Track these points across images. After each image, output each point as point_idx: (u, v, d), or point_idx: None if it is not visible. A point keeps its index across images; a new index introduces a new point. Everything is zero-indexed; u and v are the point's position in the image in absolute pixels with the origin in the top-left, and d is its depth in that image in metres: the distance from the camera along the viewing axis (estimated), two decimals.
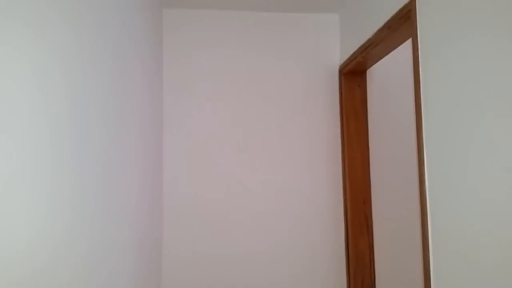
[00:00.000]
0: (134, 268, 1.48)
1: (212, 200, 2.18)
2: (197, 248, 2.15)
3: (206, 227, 2.16)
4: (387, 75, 2.27)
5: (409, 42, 1.98)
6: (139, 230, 1.55)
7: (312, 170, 2.26)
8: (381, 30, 1.66)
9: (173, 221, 2.15)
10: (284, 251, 2.20)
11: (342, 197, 2.25)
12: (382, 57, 1.89)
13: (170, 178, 2.17)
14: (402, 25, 1.51)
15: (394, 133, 2.26)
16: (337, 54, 2.30)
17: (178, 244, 2.14)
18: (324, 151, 2.27)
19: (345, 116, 2.23)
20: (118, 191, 1.25)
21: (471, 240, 1.09)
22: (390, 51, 1.79)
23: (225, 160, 2.21)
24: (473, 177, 1.08)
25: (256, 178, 2.22)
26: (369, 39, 1.79)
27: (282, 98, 2.27)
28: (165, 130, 2.19)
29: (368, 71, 2.24)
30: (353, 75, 2.23)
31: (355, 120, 2.24)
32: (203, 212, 2.17)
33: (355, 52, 1.99)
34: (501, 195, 0.98)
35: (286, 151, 2.25)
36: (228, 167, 2.20)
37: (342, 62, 2.23)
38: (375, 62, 2.00)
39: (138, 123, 1.56)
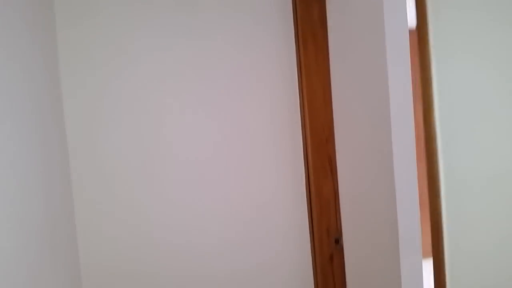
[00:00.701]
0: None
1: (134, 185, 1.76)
2: (126, 261, 1.76)
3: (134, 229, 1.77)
4: None
5: None
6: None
7: (265, 107, 1.88)
8: None
9: (92, 229, 1.72)
10: (238, 203, 1.87)
11: (301, 137, 1.92)
12: None
13: (81, 176, 1.71)
14: None
15: (361, 58, 1.90)
16: None
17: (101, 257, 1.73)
18: (278, 83, 1.89)
19: (302, 40, 1.84)
20: None
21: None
22: None
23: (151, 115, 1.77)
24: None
25: (198, 127, 1.82)
26: None
27: (223, 20, 1.82)
28: (67, 116, 1.69)
29: None
30: None
31: (313, 44, 1.85)
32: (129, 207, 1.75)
33: None
34: None
35: (232, 87, 1.84)
36: (158, 120, 1.77)
37: None
38: None
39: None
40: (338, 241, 1.93)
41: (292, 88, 1.90)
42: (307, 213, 1.96)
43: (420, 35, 1.05)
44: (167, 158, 1.77)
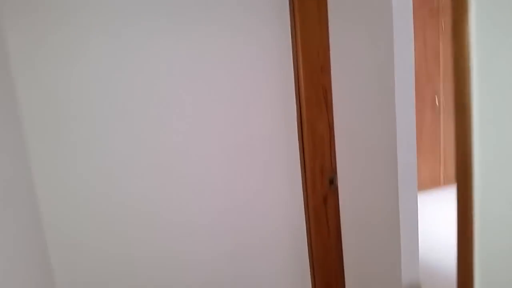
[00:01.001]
0: None
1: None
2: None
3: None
4: None
5: None
6: None
7: (249, 24, 1.66)
8: None
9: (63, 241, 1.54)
10: (225, 140, 1.69)
11: (292, 65, 1.71)
12: None
13: (47, 177, 1.49)
14: None
15: None
16: None
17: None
18: (265, 6, 1.66)
19: None
20: None
21: None
22: None
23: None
24: None
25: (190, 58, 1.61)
26: None
27: None
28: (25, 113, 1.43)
29: None
30: None
31: None
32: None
33: None
34: None
35: (219, 18, 1.62)
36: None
37: None
38: None
39: None
40: (332, 181, 1.76)
41: (282, 11, 1.67)
42: (298, 151, 1.79)
43: None
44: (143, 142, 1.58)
